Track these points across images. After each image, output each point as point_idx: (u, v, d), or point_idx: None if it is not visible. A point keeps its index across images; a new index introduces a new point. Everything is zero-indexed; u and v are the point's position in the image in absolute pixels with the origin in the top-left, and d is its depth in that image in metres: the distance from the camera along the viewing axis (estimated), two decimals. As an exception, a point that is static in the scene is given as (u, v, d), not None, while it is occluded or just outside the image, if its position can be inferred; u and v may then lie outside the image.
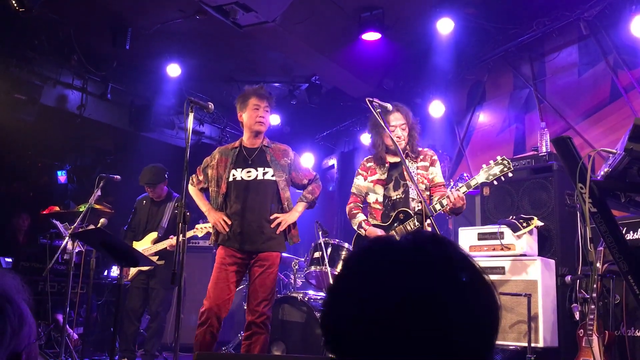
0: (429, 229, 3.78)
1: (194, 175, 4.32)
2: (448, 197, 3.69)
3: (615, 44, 5.46)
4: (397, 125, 4.05)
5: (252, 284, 4.00)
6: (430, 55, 6.74)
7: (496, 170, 3.66)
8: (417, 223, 3.79)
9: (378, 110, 3.60)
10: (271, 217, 4.02)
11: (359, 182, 4.25)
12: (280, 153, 4.20)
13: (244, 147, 4.18)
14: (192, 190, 4.31)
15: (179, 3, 6.17)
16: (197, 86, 7.99)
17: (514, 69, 6.49)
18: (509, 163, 3.66)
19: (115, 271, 6.77)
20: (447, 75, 7.03)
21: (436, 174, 4.08)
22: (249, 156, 4.13)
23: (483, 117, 6.87)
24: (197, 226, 5.27)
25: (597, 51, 5.63)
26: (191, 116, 3.60)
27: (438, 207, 3.73)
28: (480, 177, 3.69)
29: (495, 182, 3.71)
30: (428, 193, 4.01)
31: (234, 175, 4.08)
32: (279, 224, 4.02)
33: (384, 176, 4.13)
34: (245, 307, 4.08)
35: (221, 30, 6.50)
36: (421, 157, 4.12)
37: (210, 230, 4.31)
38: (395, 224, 3.95)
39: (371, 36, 6.29)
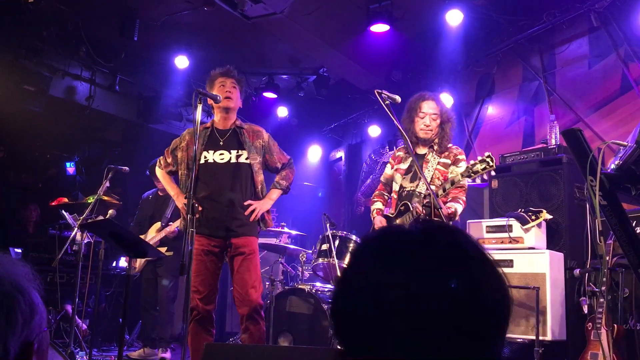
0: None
1: (161, 158, 4.17)
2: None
3: (626, 36, 5.40)
4: (428, 114, 3.98)
5: (235, 274, 3.84)
6: (438, 47, 6.70)
7: (479, 167, 3.61)
8: (412, 216, 3.78)
9: (387, 102, 3.56)
10: (245, 204, 3.87)
11: (387, 171, 4.26)
12: (254, 134, 4.04)
13: (215, 128, 4.00)
14: (160, 173, 4.16)
15: (187, -6, 6.17)
16: (205, 78, 7.88)
17: (523, 60, 6.44)
18: (492, 160, 3.60)
19: (123, 262, 6.82)
20: (455, 67, 6.99)
21: (456, 174, 3.87)
22: (221, 137, 3.95)
23: (492, 110, 6.83)
24: None
25: (608, 43, 5.57)
26: (199, 108, 3.56)
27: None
28: (464, 174, 3.65)
29: (478, 180, 3.70)
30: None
31: (205, 157, 3.88)
32: (252, 211, 3.87)
33: (406, 166, 4.09)
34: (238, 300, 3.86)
35: (229, 22, 6.48)
36: (446, 153, 4.01)
37: None
38: (398, 217, 3.98)
39: (380, 28, 6.25)
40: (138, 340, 6.32)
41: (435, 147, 4.02)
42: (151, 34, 6.84)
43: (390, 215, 4.03)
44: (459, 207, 3.85)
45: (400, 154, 4.19)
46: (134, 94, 7.98)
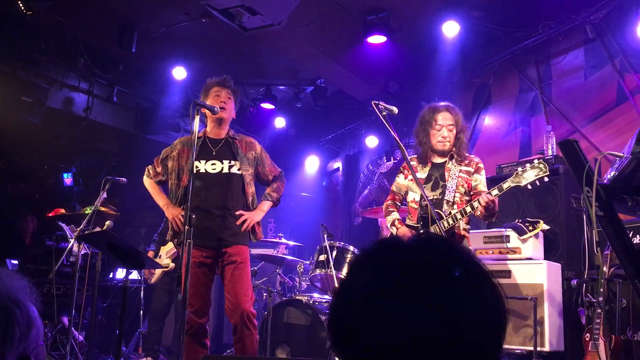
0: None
1: (150, 167, 4.09)
2: (479, 200, 3.61)
3: (621, 47, 5.44)
4: (444, 125, 3.93)
5: (227, 283, 3.80)
6: (435, 58, 6.73)
7: (531, 174, 3.55)
8: (446, 225, 3.68)
9: (384, 113, 3.57)
10: (236, 214, 3.84)
11: (400, 181, 4.16)
12: (247, 146, 4.02)
13: (208, 137, 3.96)
14: (148, 182, 4.09)
15: (185, 6, 6.19)
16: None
17: (519, 72, 6.47)
18: (545, 167, 3.54)
19: (120, 273, 6.80)
20: (452, 78, 7.02)
21: (480, 181, 3.92)
22: (213, 147, 3.92)
23: (489, 120, 6.86)
24: None
25: (604, 54, 5.61)
26: (197, 119, 3.55)
27: (469, 209, 3.66)
28: (514, 181, 3.58)
29: (529, 187, 3.60)
30: (467, 198, 3.89)
31: (197, 167, 3.83)
32: (244, 221, 3.85)
33: (424, 175, 4.00)
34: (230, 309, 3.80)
35: (227, 34, 6.51)
36: (466, 161, 3.98)
37: None
38: (425, 227, 3.86)
39: (377, 39, 6.28)
40: (135, 352, 6.29)
41: (455, 156, 3.98)
42: (149, 46, 6.86)
43: (416, 225, 3.93)
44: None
45: (414, 163, 4.09)
46: (131, 105, 7.99)
